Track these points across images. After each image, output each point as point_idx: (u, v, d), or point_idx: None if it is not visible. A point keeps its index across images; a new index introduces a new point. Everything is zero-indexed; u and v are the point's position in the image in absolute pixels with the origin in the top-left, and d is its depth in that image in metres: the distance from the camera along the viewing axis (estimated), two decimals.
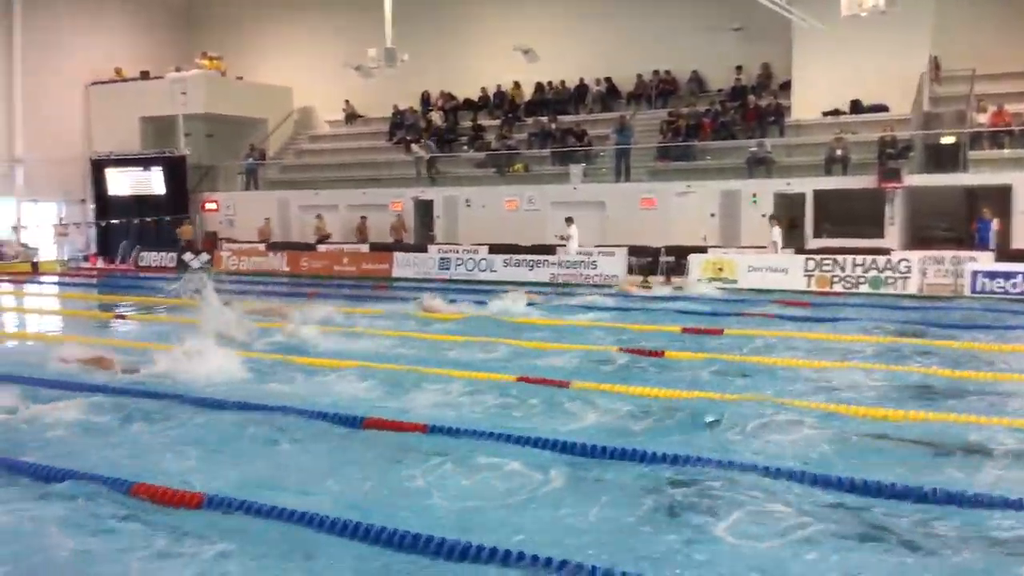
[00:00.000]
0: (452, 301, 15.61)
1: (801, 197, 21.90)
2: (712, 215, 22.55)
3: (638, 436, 6.95)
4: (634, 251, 21.35)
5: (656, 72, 27.29)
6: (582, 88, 28.31)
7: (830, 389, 8.61)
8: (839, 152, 21.91)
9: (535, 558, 4.33)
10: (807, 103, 23.96)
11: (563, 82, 28.52)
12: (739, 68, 25.85)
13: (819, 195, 21.69)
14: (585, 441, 6.49)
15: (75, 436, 7.11)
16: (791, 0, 21.33)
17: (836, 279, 18.89)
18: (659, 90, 27.27)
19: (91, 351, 10.29)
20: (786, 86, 24.92)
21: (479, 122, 29.03)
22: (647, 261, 21.11)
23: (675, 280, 20.19)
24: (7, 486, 5.78)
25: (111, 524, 5.09)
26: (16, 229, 29.14)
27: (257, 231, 27.92)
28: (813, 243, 21.38)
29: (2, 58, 29.57)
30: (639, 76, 27.49)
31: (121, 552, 4.70)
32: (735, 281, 19.47)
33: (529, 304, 15.40)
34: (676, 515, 5.27)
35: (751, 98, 24.78)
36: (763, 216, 21.15)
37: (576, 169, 24.68)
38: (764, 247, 20.48)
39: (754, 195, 22.25)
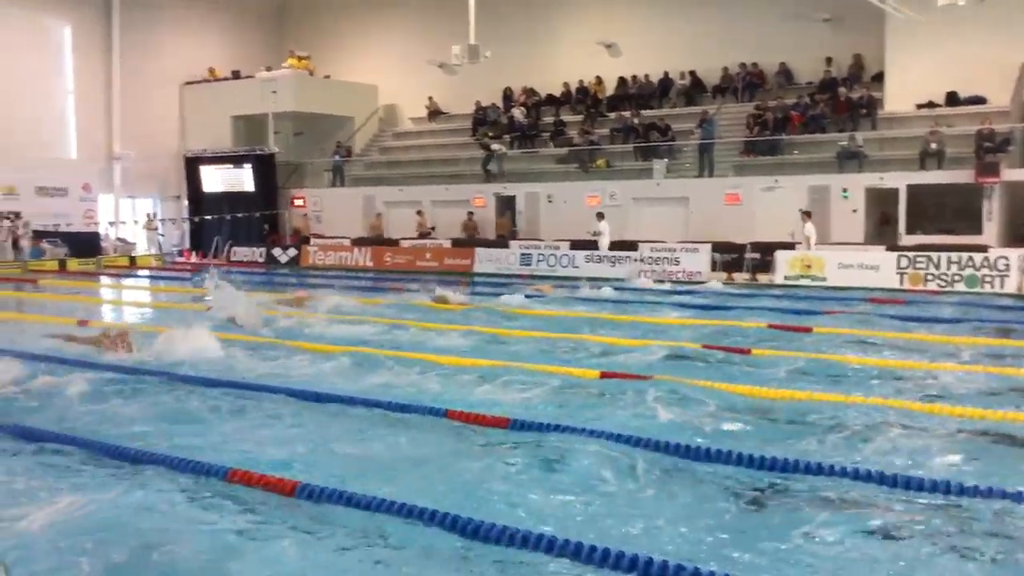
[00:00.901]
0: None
1: (894, 192, 21.26)
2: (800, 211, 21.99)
3: (724, 435, 6.83)
4: (718, 247, 21.05)
5: (743, 65, 26.81)
6: (666, 82, 28.00)
7: (924, 390, 8.34)
8: (934, 146, 21.19)
9: (618, 554, 4.30)
10: (901, 95, 23.24)
11: (646, 76, 28.26)
12: (829, 60, 25.22)
13: (913, 190, 21.02)
14: (669, 439, 6.41)
15: (166, 422, 7.35)
16: None
17: (930, 277, 18.28)
18: (745, 83, 26.79)
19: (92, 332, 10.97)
20: (878, 77, 24.21)
21: (561, 117, 28.99)
22: (732, 258, 20.78)
23: (761, 277, 19.83)
24: (97, 468, 6.01)
25: (207, 508, 5.25)
26: (114, 224, 30.30)
27: (369, 226, 28.31)
28: (906, 239, 20.73)
29: (102, 60, 30.76)
30: (725, 69, 27.05)
31: (213, 535, 4.84)
32: (824, 278, 19.02)
33: (528, 296, 15.75)
34: (764, 517, 5.17)
35: (841, 90, 24.16)
36: (798, 211, 20.72)
37: (659, 164, 24.44)
38: (856, 244, 19.96)
39: (845, 190, 21.69)
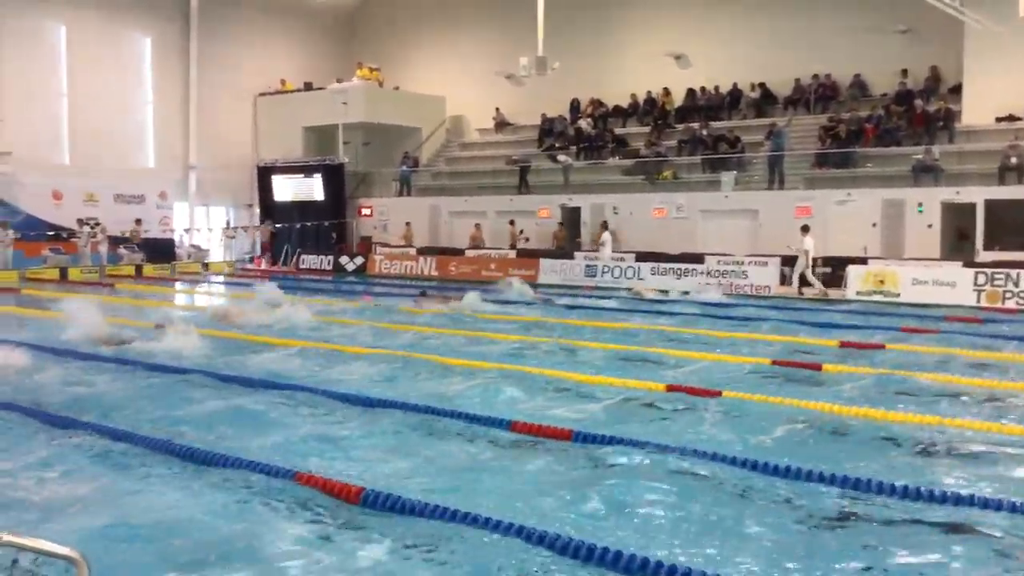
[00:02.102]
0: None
1: (971, 207, 20.63)
2: (874, 225, 21.55)
3: (794, 452, 6.68)
4: (787, 261, 20.69)
5: (815, 76, 26.37)
6: (736, 93, 27.69)
7: (1002, 410, 8.05)
8: (1014, 160, 20.52)
9: (685, 572, 4.22)
10: (979, 108, 22.56)
11: (716, 87, 27.99)
12: (904, 71, 24.63)
13: (991, 205, 20.37)
14: (736, 454, 6.30)
15: (234, 421, 7.49)
16: (964, 1, 20.17)
17: (1009, 295, 17.67)
18: (818, 94, 26.32)
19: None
20: (956, 90, 23.56)
21: (628, 129, 28.86)
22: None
23: (832, 292, 19.41)
24: (167, 467, 6.13)
25: (275, 510, 5.32)
26: (189, 232, 31.09)
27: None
28: (984, 256, 20.08)
29: (180, 72, 31.65)
30: (797, 80, 26.64)
31: (279, 536, 4.90)
32: (897, 294, 18.54)
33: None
34: (835, 536, 5.04)
35: (918, 102, 23.57)
36: (800, 226, 20.38)
37: (727, 176, 24.14)
38: (932, 259, 19.44)
39: (920, 204, 21.12)
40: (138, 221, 27.84)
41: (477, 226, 27.54)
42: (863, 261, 19.98)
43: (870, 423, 7.45)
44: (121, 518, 5.18)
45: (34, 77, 27.90)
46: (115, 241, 27.12)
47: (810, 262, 19.87)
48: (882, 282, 18.93)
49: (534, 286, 20.95)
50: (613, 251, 23.44)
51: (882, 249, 21.23)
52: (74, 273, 24.82)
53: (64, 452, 6.54)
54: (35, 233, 26.31)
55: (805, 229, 20.24)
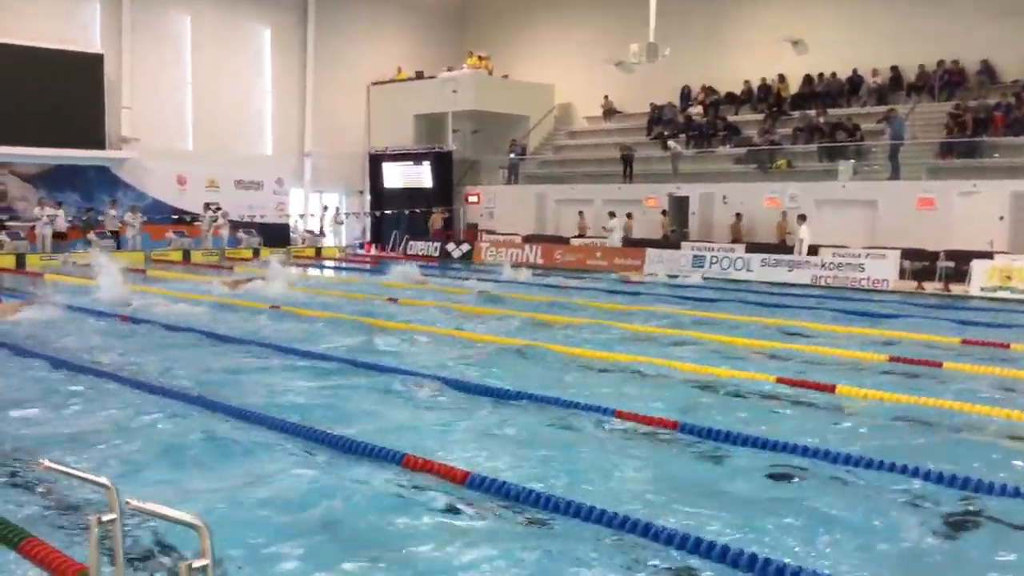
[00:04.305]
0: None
1: None
2: (1001, 218, 20.49)
3: (910, 450, 6.41)
4: (908, 254, 19.87)
5: (941, 62, 25.17)
6: (855, 80, 26.69)
7: None
8: None
9: (795, 571, 4.11)
10: None
11: (834, 74, 27.04)
12: None
13: None
14: (850, 452, 6.09)
15: (340, 401, 7.68)
16: None
17: None
18: (944, 81, 25.12)
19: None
20: None
21: (741, 116, 28.20)
22: (923, 266, 19.56)
23: (955, 287, 18.56)
24: (279, 447, 6.32)
25: (383, 492, 5.43)
26: (303, 217, 32.03)
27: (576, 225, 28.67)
28: None
29: (297, 62, 32.58)
30: (921, 66, 25.49)
31: (387, 518, 4.99)
32: None
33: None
34: (953, 539, 4.82)
35: None
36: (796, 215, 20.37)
37: (845, 166, 23.31)
38: None
39: None
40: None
41: (580, 214, 27.41)
42: (989, 256, 19.00)
43: (992, 422, 7.09)
44: (239, 491, 5.39)
45: (160, 67, 29.18)
46: (235, 225, 28.21)
47: (805, 251, 20.26)
48: (1009, 278, 17.98)
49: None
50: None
51: (1009, 244, 20.15)
52: (196, 255, 25.93)
53: (191, 427, 6.82)
54: (160, 217, 27.60)
55: (802, 218, 20.09)
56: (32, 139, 25.40)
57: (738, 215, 23.81)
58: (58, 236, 24.52)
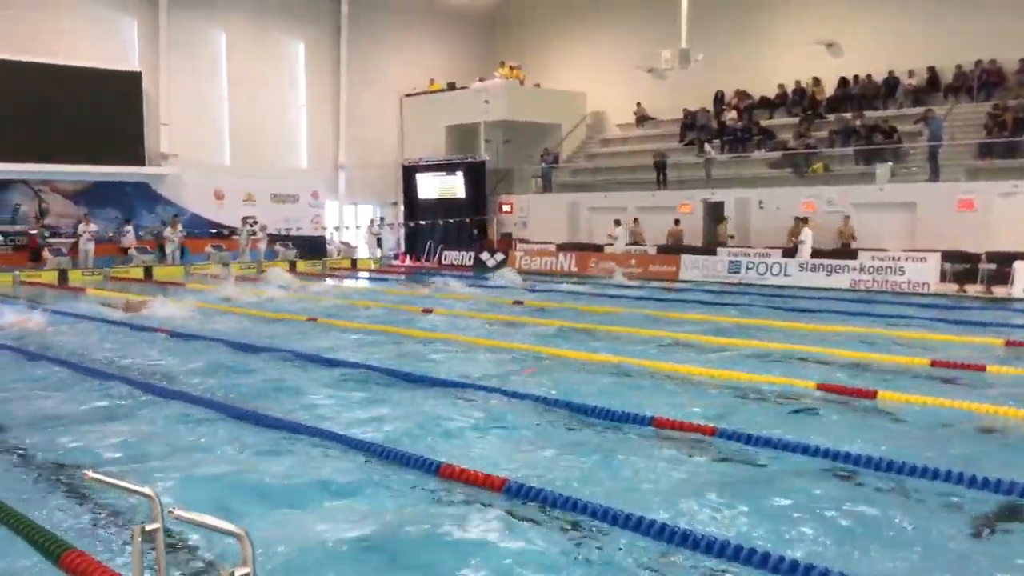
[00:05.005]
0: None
1: None
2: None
3: (955, 455, 6.30)
4: (948, 257, 19.56)
5: (979, 62, 24.79)
6: (892, 81, 26.37)
7: None
8: None
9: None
10: None
11: (869, 76, 26.74)
12: None
13: None
14: (892, 458, 5.99)
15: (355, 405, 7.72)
16: None
17: None
18: (982, 81, 24.73)
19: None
20: None
21: (775, 120, 27.98)
22: (964, 268, 19.24)
23: (997, 290, 18.24)
24: (322, 455, 6.36)
25: (421, 500, 5.45)
26: (338, 229, 32.29)
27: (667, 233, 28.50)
28: None
29: (331, 75, 32.91)
30: (958, 67, 25.12)
31: (425, 526, 5.00)
32: None
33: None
34: (1005, 547, 4.72)
35: None
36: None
37: (882, 168, 23.00)
38: None
39: None
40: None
41: (617, 222, 27.33)
42: None
43: None
44: (278, 498, 5.43)
45: (197, 83, 29.60)
46: (272, 238, 28.53)
47: (807, 253, 20.17)
48: None
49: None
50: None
51: None
52: (235, 268, 26.22)
53: (229, 437, 6.89)
54: (199, 231, 27.98)
55: (803, 221, 19.95)
56: (74, 157, 25.90)
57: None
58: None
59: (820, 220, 22.62)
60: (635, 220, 26.36)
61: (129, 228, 26.46)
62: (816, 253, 21.71)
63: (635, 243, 25.82)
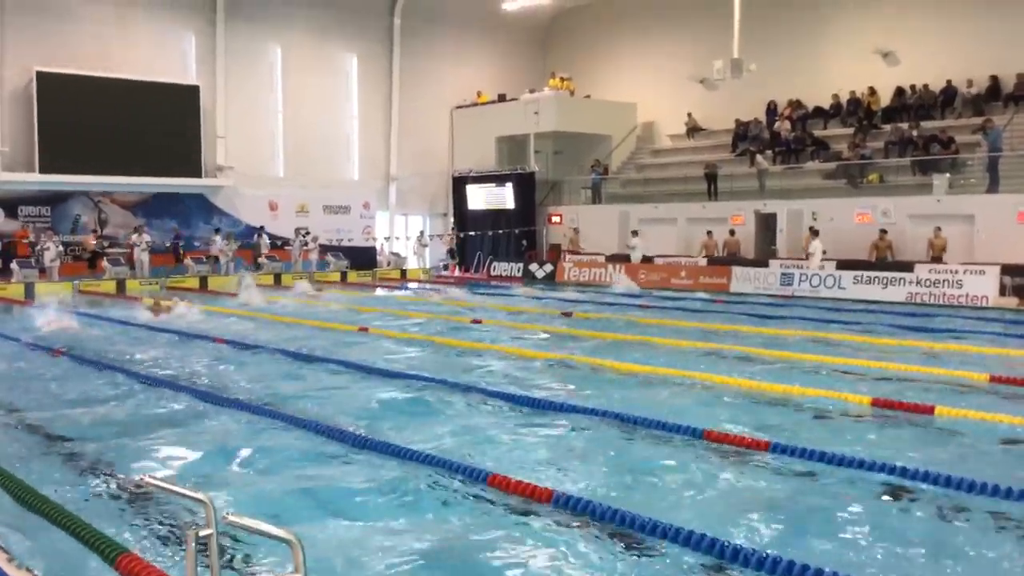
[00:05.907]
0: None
1: None
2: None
3: (1014, 473, 6.13)
4: (1008, 270, 19.09)
5: None
6: (949, 91, 25.84)
7: None
8: None
9: None
10: None
11: (926, 85, 26.25)
12: None
13: None
14: (951, 474, 5.85)
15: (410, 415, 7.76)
16: None
17: None
18: None
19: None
20: None
21: (829, 131, 27.59)
22: None
23: None
24: (363, 461, 6.40)
25: (468, 510, 5.46)
26: (389, 240, 32.56)
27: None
28: None
29: (383, 87, 33.25)
30: (1019, 75, 24.54)
31: (470, 535, 5.01)
32: None
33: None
34: None
35: None
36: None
37: (940, 179, 22.54)
38: None
39: None
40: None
41: (634, 232, 26.98)
42: None
43: None
44: (324, 507, 5.48)
45: (253, 96, 30.13)
46: (323, 249, 28.90)
47: (816, 264, 20.15)
48: None
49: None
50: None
51: None
52: (287, 279, 26.58)
53: (285, 444, 6.98)
54: (252, 242, 28.42)
55: (814, 233, 19.84)
56: (133, 169, 26.50)
57: (883, 231, 21.73)
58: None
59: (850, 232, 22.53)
60: (634, 232, 26.55)
61: (217, 237, 26.97)
62: (871, 266, 21.33)
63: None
